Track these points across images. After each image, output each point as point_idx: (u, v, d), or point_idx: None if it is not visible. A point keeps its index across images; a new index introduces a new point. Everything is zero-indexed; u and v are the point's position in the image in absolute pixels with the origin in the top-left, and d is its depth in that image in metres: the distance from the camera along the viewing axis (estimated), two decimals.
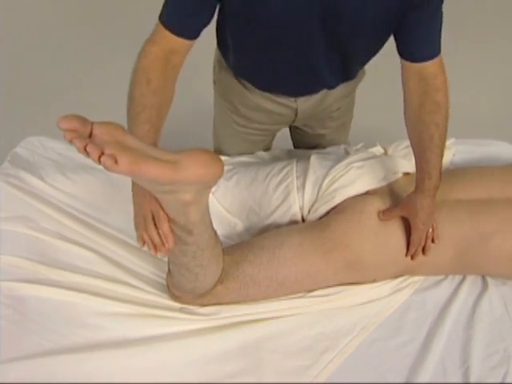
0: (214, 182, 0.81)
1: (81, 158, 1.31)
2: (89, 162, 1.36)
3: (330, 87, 1.20)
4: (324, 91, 1.22)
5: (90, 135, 0.64)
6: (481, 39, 2.72)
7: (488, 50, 2.67)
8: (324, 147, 1.44)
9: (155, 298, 1.07)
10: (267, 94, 1.21)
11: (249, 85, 1.20)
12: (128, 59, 0.94)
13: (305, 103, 1.23)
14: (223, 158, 1.37)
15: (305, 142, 1.48)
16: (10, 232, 1.12)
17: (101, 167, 1.31)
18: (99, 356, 0.97)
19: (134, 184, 0.94)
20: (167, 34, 0.93)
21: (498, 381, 0.97)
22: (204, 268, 0.98)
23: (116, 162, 0.63)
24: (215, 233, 0.98)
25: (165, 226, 0.88)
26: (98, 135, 0.64)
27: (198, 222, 0.87)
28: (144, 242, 0.95)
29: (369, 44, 1.04)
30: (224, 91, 1.28)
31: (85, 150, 0.61)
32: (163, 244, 0.91)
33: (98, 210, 1.19)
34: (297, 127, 1.42)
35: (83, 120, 0.63)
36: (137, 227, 0.96)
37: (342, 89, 1.23)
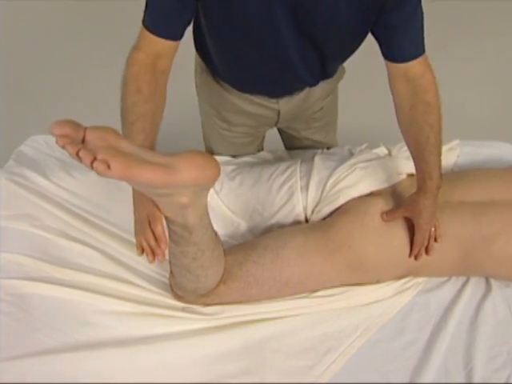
0: (211, 184, 0.80)
1: None
2: None
3: (310, 85, 1.19)
4: (305, 91, 1.21)
5: (83, 140, 0.63)
6: (485, 40, 2.71)
7: (492, 50, 2.66)
8: (313, 147, 1.43)
9: (158, 297, 1.07)
10: (248, 96, 1.20)
11: (229, 87, 1.20)
12: None
13: (287, 104, 1.23)
14: (227, 158, 1.38)
15: (293, 144, 1.48)
16: (15, 230, 1.12)
17: None
18: (102, 354, 0.97)
19: (134, 191, 0.94)
20: (151, 37, 0.93)
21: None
22: (205, 269, 0.98)
23: (109, 167, 0.62)
24: (215, 234, 0.98)
25: (158, 228, 0.89)
26: (91, 140, 0.63)
27: (196, 223, 0.87)
28: (142, 250, 0.95)
29: (344, 43, 1.04)
30: (206, 95, 1.28)
31: (77, 155, 0.61)
32: (159, 246, 0.91)
33: (102, 209, 1.20)
34: (285, 130, 1.42)
35: (76, 125, 0.62)
36: (136, 234, 0.96)
37: (322, 88, 1.23)
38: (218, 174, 0.77)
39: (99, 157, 0.62)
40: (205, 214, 0.90)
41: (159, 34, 0.93)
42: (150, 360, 0.98)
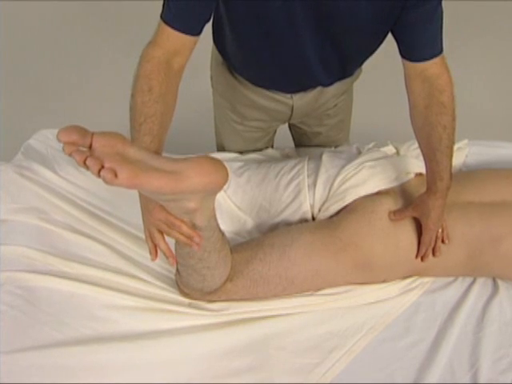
0: (219, 189, 0.80)
1: None
2: None
3: (325, 85, 1.19)
4: (319, 88, 1.21)
5: (90, 146, 0.63)
6: (496, 39, 2.69)
7: (503, 50, 2.64)
8: (323, 145, 1.43)
9: (164, 293, 1.08)
10: (262, 91, 1.20)
11: (244, 81, 1.20)
12: (135, 56, 0.93)
13: (301, 100, 1.23)
14: (234, 155, 1.38)
15: (303, 140, 1.47)
16: (23, 223, 1.13)
17: None
18: (108, 348, 0.98)
19: (140, 198, 0.92)
20: (169, 32, 0.90)
21: None
22: (211, 269, 0.98)
23: (116, 175, 0.61)
24: (223, 234, 0.99)
25: (183, 227, 0.85)
26: (98, 147, 0.63)
27: (204, 226, 0.87)
28: (156, 254, 0.93)
29: (364, 43, 1.03)
30: (220, 88, 1.28)
31: (84, 163, 0.61)
32: (171, 255, 0.89)
33: (109, 204, 1.20)
34: (294, 125, 1.42)
35: (83, 132, 0.62)
36: (147, 240, 0.94)
37: (337, 86, 1.23)
38: (227, 179, 0.77)
39: (106, 165, 0.61)
40: (212, 216, 0.90)
41: (179, 29, 0.90)
42: (156, 355, 0.98)
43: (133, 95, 0.89)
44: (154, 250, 0.91)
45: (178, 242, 0.94)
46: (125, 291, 1.06)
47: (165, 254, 0.89)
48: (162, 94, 0.88)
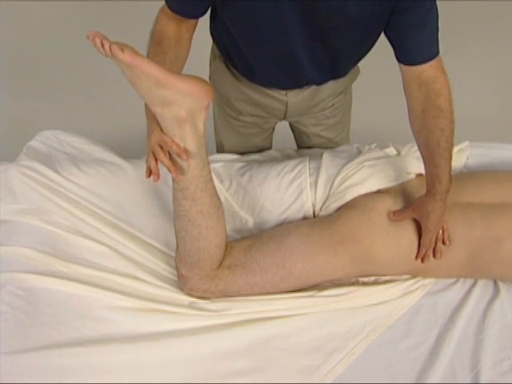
0: (205, 101, 0.89)
1: (95, 152, 1.32)
2: (103, 155, 1.37)
3: (318, 83, 1.20)
4: (314, 87, 1.22)
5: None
6: (496, 40, 2.69)
7: (504, 51, 2.64)
8: (323, 147, 1.43)
9: (165, 294, 1.08)
10: (257, 86, 1.22)
11: (239, 75, 1.21)
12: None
13: (295, 97, 1.23)
14: (236, 156, 1.38)
15: (304, 140, 1.48)
16: (24, 224, 1.13)
17: (114, 159, 1.31)
18: (108, 350, 0.98)
19: (147, 121, 0.98)
20: (172, 13, 0.99)
21: None
22: (205, 217, 1.00)
23: (122, 50, 0.77)
24: (215, 188, 1.03)
25: (174, 146, 0.93)
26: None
27: (194, 153, 0.93)
28: (149, 175, 0.98)
29: (353, 43, 1.04)
30: (217, 82, 1.30)
31: (101, 44, 0.76)
32: (157, 172, 0.96)
33: (111, 204, 1.20)
34: (293, 124, 1.42)
35: (107, 38, 0.78)
36: (146, 163, 1.00)
37: (333, 85, 1.23)
38: (211, 93, 0.90)
39: (116, 43, 0.77)
40: (203, 146, 0.96)
41: (180, 14, 0.99)
42: (156, 356, 0.99)
43: (147, 49, 0.99)
44: (149, 172, 0.98)
45: (174, 187, 0.99)
46: (125, 292, 1.06)
47: (153, 170, 0.96)
48: (170, 46, 0.99)
